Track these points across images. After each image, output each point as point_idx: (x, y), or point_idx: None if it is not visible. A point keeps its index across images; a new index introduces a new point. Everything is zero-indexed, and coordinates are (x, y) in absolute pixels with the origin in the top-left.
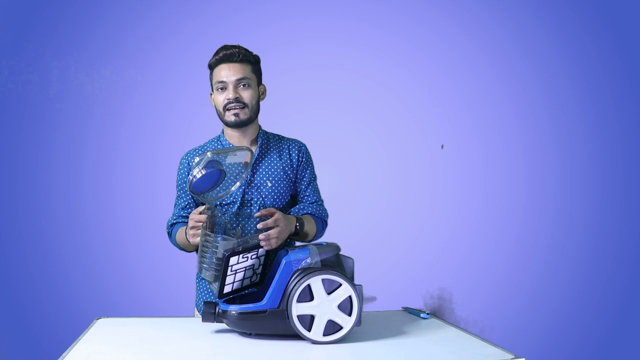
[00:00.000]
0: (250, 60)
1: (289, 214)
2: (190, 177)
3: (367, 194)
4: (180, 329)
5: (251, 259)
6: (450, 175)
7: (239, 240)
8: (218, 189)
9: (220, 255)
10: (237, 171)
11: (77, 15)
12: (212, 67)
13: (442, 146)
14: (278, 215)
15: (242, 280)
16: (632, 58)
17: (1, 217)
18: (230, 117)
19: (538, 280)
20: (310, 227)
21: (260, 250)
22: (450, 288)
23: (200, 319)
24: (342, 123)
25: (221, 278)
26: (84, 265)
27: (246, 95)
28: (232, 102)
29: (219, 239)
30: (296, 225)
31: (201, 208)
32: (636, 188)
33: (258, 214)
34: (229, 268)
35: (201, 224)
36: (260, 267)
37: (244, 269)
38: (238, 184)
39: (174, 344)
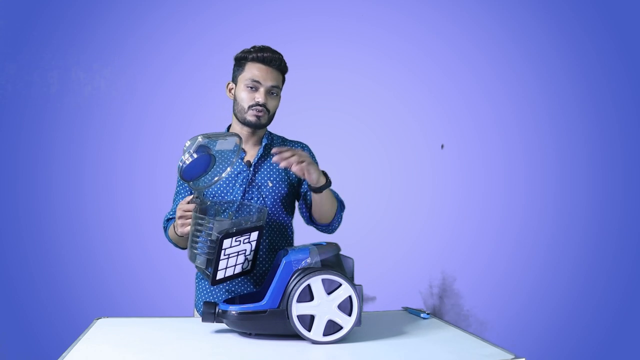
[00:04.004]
0: (283, 71)
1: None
2: (180, 163)
3: (367, 194)
4: (180, 329)
5: (244, 243)
6: (450, 175)
7: (233, 221)
8: (208, 175)
9: (214, 238)
10: (226, 158)
11: (77, 15)
12: (245, 60)
13: (442, 146)
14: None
15: (235, 266)
16: (632, 58)
17: (1, 217)
18: (252, 117)
19: (538, 280)
20: (330, 193)
21: (253, 234)
22: (450, 285)
23: (200, 319)
24: (342, 123)
25: (214, 262)
26: (84, 265)
27: (272, 103)
28: (260, 106)
29: (213, 220)
30: (323, 172)
31: (189, 198)
32: (636, 188)
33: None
34: (222, 251)
35: (190, 213)
36: (252, 252)
37: (236, 254)
38: (229, 169)
39: (174, 344)
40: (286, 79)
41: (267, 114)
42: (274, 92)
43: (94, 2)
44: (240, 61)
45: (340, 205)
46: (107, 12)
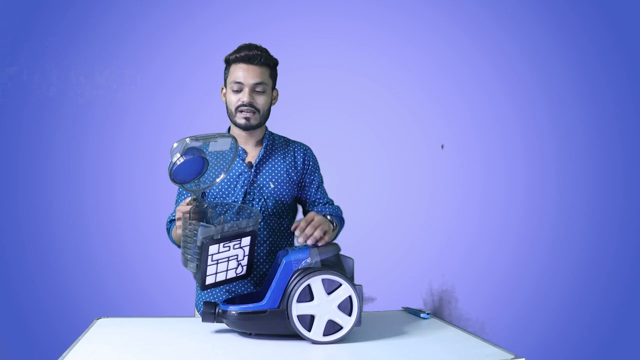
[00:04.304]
0: (270, 65)
1: None
2: (170, 165)
3: (367, 194)
4: (180, 329)
5: (233, 248)
6: (450, 175)
7: (218, 227)
8: (202, 179)
9: (199, 244)
10: (221, 161)
11: (77, 15)
12: (229, 62)
13: (442, 146)
14: (308, 215)
15: (226, 271)
16: (632, 58)
17: (1, 217)
18: (241, 119)
19: (538, 280)
20: (336, 223)
21: (244, 240)
22: (450, 286)
23: (200, 319)
24: (342, 123)
25: (202, 267)
26: (84, 265)
27: (260, 100)
28: (246, 106)
29: (198, 226)
30: (328, 219)
31: (188, 199)
32: (636, 188)
33: (293, 227)
34: (209, 257)
35: (185, 214)
36: (246, 257)
37: (226, 259)
38: (223, 175)
39: (174, 344)
40: (285, 77)
41: (256, 113)
42: (259, 89)
43: (94, 2)
44: (227, 64)
45: (341, 225)
46: (107, 12)
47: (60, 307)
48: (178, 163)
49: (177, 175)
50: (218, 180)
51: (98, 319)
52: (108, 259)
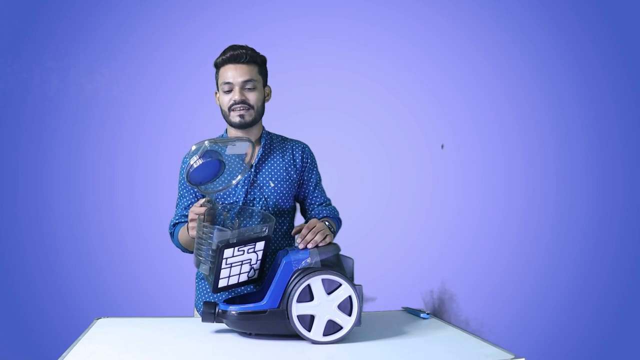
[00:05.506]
0: (257, 62)
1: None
2: (187, 167)
3: (367, 194)
4: (180, 329)
5: (247, 252)
6: (450, 175)
7: (234, 231)
8: (218, 181)
9: (214, 247)
10: (237, 164)
11: (77, 15)
12: (218, 66)
13: (442, 146)
14: (310, 222)
15: (239, 275)
16: (632, 58)
17: (1, 217)
18: (235, 117)
19: (538, 280)
20: (334, 227)
21: (258, 244)
22: (450, 287)
23: (200, 319)
24: (342, 123)
25: (215, 271)
26: (84, 265)
27: (252, 97)
28: (238, 104)
29: (214, 230)
30: (327, 224)
31: (202, 201)
32: (636, 188)
33: (294, 231)
34: (224, 261)
35: (200, 216)
36: (259, 262)
37: (239, 263)
38: (239, 177)
39: (174, 344)
40: (285, 77)
41: (250, 109)
42: (249, 86)
43: (94, 2)
44: (216, 68)
45: (338, 226)
46: (107, 12)
47: (60, 307)
48: (195, 166)
49: (194, 177)
50: (234, 182)
51: (98, 319)
52: (108, 259)
